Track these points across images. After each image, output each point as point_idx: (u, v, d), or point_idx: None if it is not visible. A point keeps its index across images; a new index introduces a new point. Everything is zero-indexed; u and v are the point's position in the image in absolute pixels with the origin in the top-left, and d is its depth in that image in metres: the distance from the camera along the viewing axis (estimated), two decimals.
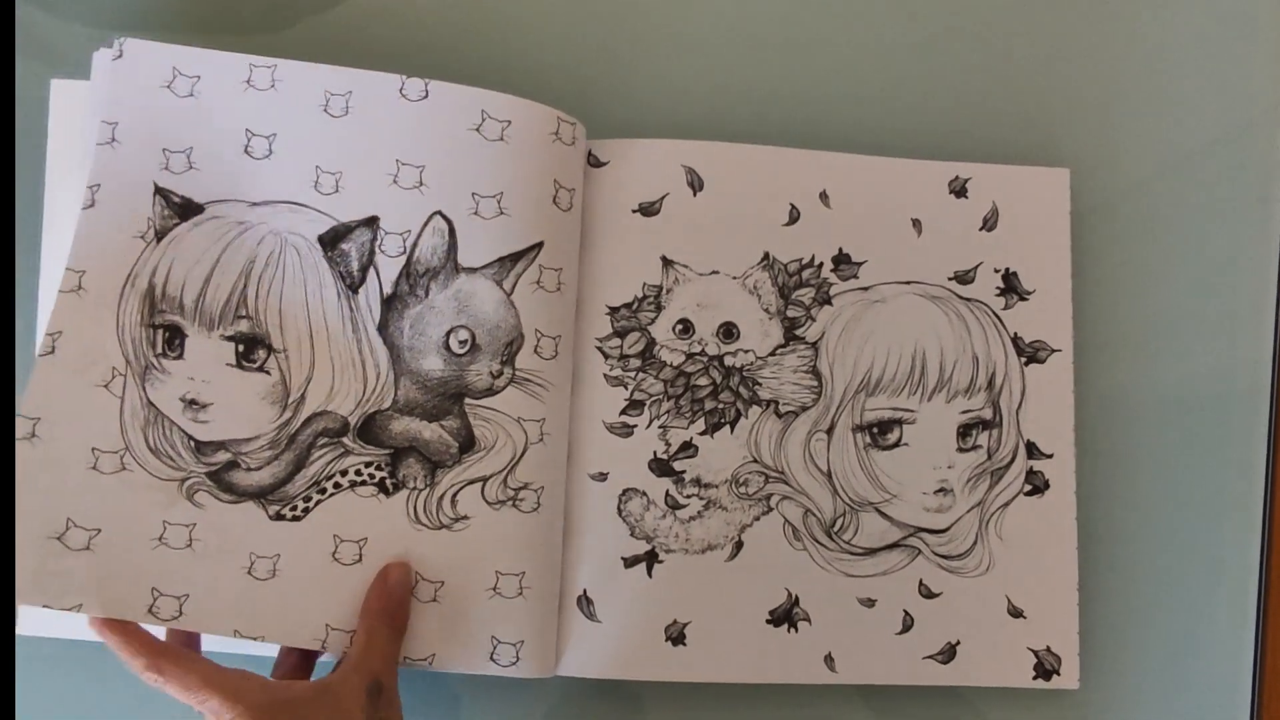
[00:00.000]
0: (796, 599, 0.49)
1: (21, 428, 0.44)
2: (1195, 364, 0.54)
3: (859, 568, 0.50)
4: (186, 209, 0.47)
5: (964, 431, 0.51)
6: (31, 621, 0.48)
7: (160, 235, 0.47)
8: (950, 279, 0.52)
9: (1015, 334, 0.52)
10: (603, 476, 0.49)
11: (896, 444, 0.51)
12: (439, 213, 0.48)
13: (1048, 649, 0.50)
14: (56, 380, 0.45)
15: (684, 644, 0.48)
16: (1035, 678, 0.50)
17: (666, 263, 0.51)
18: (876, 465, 0.51)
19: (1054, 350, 0.52)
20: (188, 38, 0.48)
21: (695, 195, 0.52)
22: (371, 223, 0.48)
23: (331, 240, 0.47)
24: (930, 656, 0.50)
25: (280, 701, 0.39)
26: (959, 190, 0.53)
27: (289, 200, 0.47)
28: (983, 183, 0.53)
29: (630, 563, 0.49)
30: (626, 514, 0.49)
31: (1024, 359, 0.52)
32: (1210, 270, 0.55)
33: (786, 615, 0.49)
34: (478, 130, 0.48)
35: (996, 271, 0.53)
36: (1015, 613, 0.50)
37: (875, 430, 0.51)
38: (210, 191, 0.47)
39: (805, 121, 0.55)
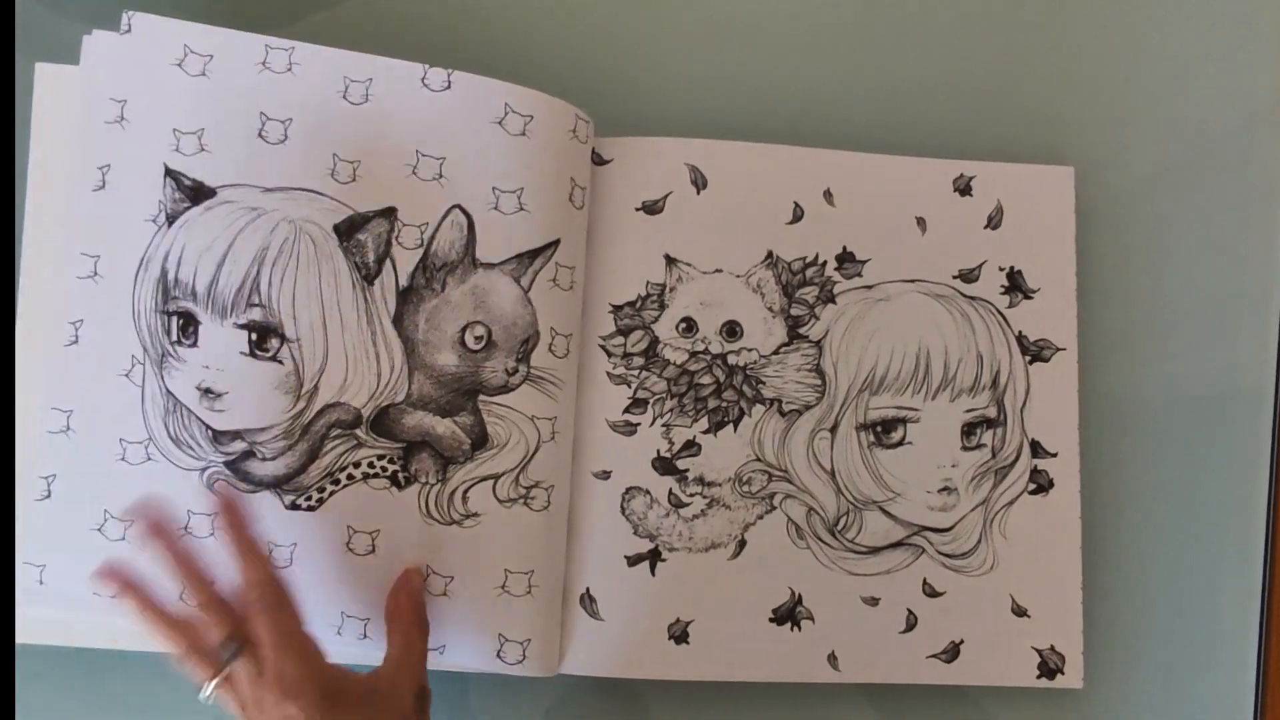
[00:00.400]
0: (800, 597, 0.49)
1: (55, 421, 0.45)
2: (1200, 362, 0.54)
3: (862, 566, 0.50)
4: (198, 192, 0.46)
5: (968, 430, 0.51)
6: (32, 629, 0.47)
7: (171, 219, 0.46)
8: (955, 277, 0.52)
9: (1020, 332, 0.52)
10: (606, 475, 0.49)
11: (900, 443, 0.51)
12: (458, 206, 0.47)
13: (1052, 648, 0.50)
14: (83, 370, 0.45)
15: (687, 642, 0.48)
16: (1039, 677, 0.50)
17: (670, 261, 0.51)
18: (880, 464, 0.50)
19: (1058, 349, 0.52)
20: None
21: (699, 193, 0.51)
22: (389, 213, 0.47)
23: (348, 230, 0.47)
24: (934, 655, 0.50)
25: (338, 691, 0.39)
26: (964, 188, 0.53)
27: (304, 187, 0.47)
28: (987, 181, 0.53)
29: (633, 561, 0.49)
30: (630, 512, 0.49)
31: (1028, 357, 0.52)
32: (1214, 268, 0.55)
33: (790, 614, 0.49)
34: (500, 124, 0.48)
35: (1001, 270, 0.53)
36: (1019, 612, 0.50)
37: (879, 429, 0.51)
38: (222, 175, 0.46)
39: (809, 119, 0.55)
